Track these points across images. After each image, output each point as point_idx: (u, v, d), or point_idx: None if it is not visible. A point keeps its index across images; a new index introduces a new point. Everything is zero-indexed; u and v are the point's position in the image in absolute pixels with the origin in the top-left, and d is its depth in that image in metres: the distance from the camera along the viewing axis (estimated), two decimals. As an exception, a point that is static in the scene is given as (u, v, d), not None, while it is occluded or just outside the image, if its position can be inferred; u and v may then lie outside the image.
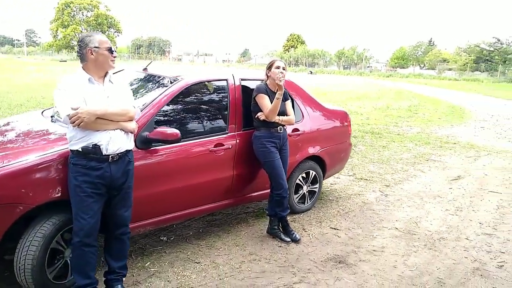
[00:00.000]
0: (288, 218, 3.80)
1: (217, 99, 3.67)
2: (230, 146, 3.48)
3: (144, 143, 2.92)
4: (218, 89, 3.65)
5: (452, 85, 31.11)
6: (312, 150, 4.23)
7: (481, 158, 7.24)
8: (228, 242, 3.60)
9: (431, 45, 69.40)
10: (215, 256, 3.34)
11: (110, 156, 2.43)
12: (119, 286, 2.69)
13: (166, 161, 3.08)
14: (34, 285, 2.52)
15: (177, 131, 2.90)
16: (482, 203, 4.90)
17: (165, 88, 3.24)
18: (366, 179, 5.67)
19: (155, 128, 2.95)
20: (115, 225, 2.64)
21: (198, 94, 3.59)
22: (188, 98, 3.45)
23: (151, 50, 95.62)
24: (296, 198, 4.27)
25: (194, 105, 3.53)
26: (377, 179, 5.70)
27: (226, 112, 3.54)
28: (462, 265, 3.40)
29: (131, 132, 2.56)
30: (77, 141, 2.38)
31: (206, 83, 3.62)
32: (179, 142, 3.03)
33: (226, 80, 3.61)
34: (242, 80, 3.70)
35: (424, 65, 64.30)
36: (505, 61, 46.32)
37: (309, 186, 4.35)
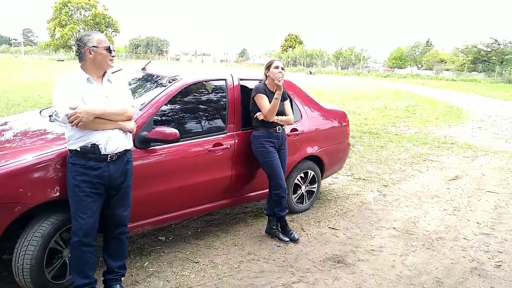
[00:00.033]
0: (287, 218, 3.80)
1: (216, 99, 3.67)
2: (229, 146, 3.48)
3: (143, 142, 2.91)
4: (216, 89, 3.65)
5: (450, 86, 31.18)
6: (310, 150, 4.23)
7: (479, 158, 7.27)
8: (227, 241, 3.60)
9: (429, 46, 69.47)
10: (214, 255, 3.34)
11: (109, 155, 2.43)
12: (118, 285, 2.69)
13: (165, 161, 3.08)
14: (33, 284, 2.51)
15: (176, 131, 2.90)
16: (480, 203, 4.92)
17: (164, 88, 3.24)
18: (364, 179, 5.68)
19: (153, 127, 2.95)
20: (113, 225, 2.63)
21: (197, 94, 3.59)
22: (187, 98, 3.45)
23: (148, 49, 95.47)
24: (295, 198, 4.27)
25: (192, 105, 3.52)
26: (375, 179, 5.71)
27: (224, 112, 3.54)
28: (460, 264, 3.41)
29: (130, 132, 2.56)
30: (76, 141, 2.38)
31: (204, 83, 3.62)
32: (177, 142, 3.03)
33: (225, 80, 3.61)
34: (240, 80, 3.70)
35: (422, 65, 64.41)
36: (502, 62, 46.46)
37: (307, 186, 4.36)
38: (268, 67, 3.58)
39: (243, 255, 3.38)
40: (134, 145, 2.80)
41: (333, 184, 5.43)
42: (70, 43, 56.60)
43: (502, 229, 4.16)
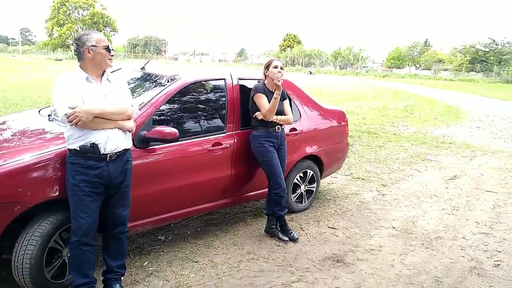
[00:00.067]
0: (286, 217, 3.80)
1: (215, 98, 3.66)
2: (228, 146, 3.48)
3: (142, 142, 2.91)
4: (216, 89, 3.65)
5: (448, 86, 31.25)
6: (309, 150, 4.23)
7: (477, 158, 7.28)
8: (226, 241, 3.60)
9: (427, 46, 69.57)
10: (213, 255, 3.34)
11: (108, 155, 2.42)
12: (117, 285, 2.69)
13: (164, 160, 3.08)
14: (32, 284, 2.51)
15: (175, 130, 2.90)
16: (478, 203, 4.93)
17: (163, 87, 3.23)
18: (363, 179, 5.69)
19: (153, 127, 2.95)
20: (113, 224, 2.63)
21: (196, 94, 3.58)
22: (186, 97, 3.44)
23: (147, 49, 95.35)
24: (294, 197, 4.27)
25: (192, 104, 3.52)
26: (374, 179, 5.72)
27: (224, 112, 3.54)
28: (459, 264, 3.42)
29: (129, 131, 2.55)
30: (75, 140, 2.37)
31: (204, 82, 3.62)
32: (177, 141, 3.03)
33: (224, 79, 3.61)
34: (240, 79, 3.70)
35: (420, 65, 64.53)
36: (500, 62, 46.63)
37: (306, 185, 4.36)
38: (267, 66, 3.58)
39: (242, 254, 3.38)
40: (134, 144, 2.80)
41: (332, 183, 5.44)
42: (68, 42, 56.55)
43: (501, 229, 4.17)
